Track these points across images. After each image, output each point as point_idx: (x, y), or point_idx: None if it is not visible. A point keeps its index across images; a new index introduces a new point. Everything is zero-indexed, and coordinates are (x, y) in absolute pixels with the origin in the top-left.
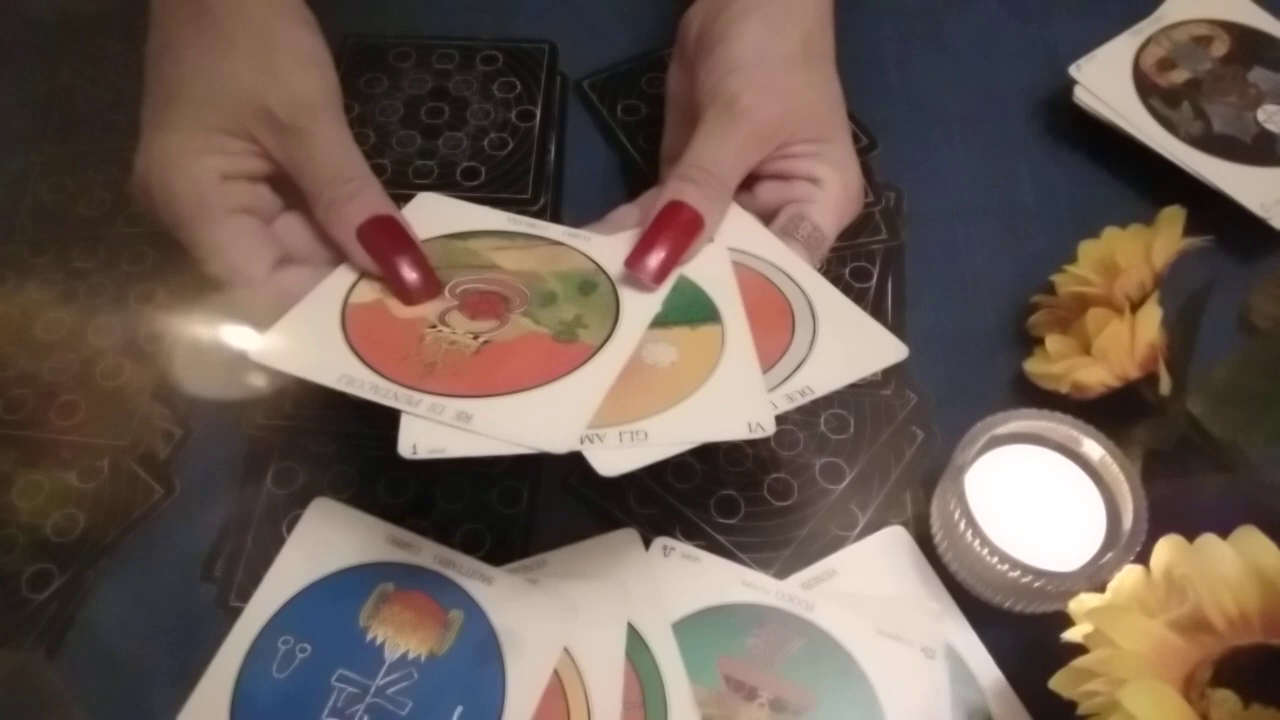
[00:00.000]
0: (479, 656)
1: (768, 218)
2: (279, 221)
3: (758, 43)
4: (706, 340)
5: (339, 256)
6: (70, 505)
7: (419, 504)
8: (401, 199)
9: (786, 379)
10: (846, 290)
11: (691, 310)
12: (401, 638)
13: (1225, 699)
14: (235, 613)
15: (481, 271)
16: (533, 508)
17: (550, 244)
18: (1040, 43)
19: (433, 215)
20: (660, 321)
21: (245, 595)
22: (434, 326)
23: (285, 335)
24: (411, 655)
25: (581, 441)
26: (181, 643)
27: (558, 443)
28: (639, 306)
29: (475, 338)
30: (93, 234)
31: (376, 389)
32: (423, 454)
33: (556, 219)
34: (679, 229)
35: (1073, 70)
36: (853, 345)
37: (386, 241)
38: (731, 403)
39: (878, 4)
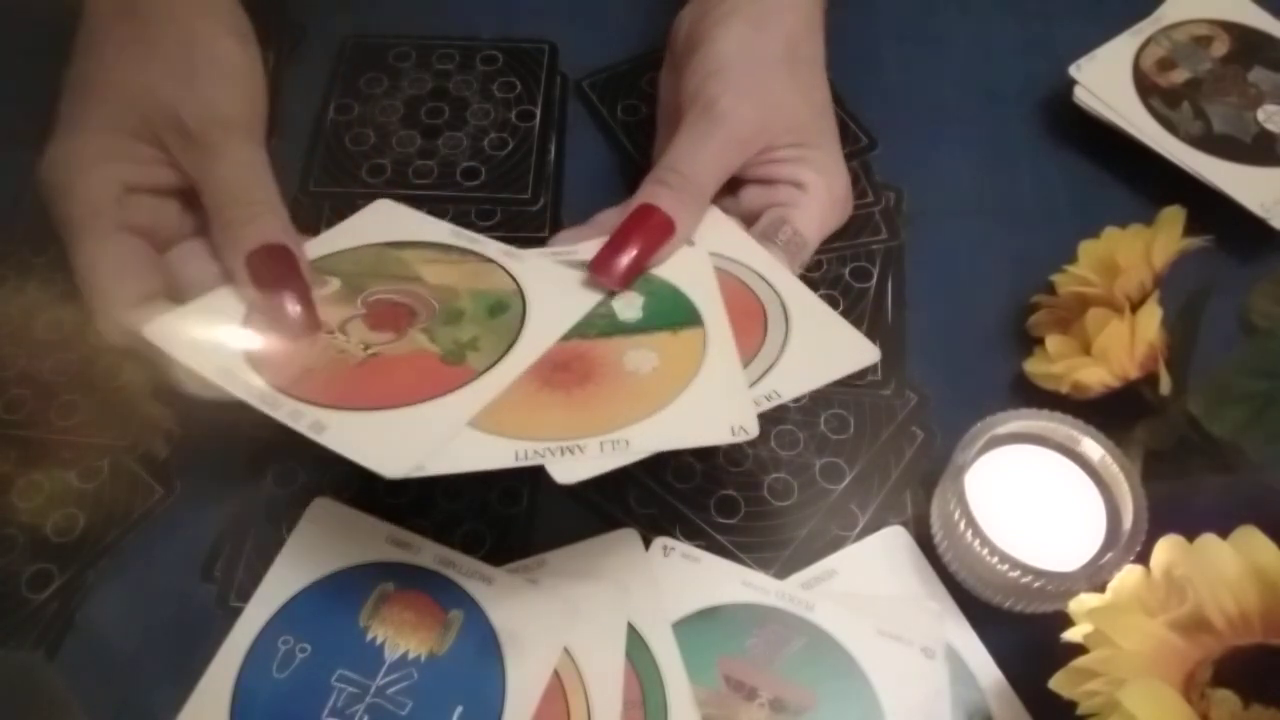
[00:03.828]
0: (479, 656)
1: (751, 222)
2: (179, 249)
3: (740, 45)
4: (688, 344)
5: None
6: (70, 505)
7: (419, 504)
8: (401, 199)
9: (755, 383)
10: (846, 290)
11: (673, 315)
12: (401, 638)
13: (1225, 699)
14: (235, 613)
15: (402, 283)
16: (533, 508)
17: (482, 261)
18: (1040, 43)
19: (380, 222)
20: (641, 327)
21: (245, 595)
22: (332, 333)
23: (182, 320)
24: (411, 655)
25: (541, 453)
26: (181, 643)
27: (388, 467)
28: (539, 334)
29: (365, 349)
30: None
31: (248, 388)
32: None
33: (556, 219)
34: (648, 232)
35: (1073, 70)
36: (823, 349)
37: (274, 272)
38: (713, 407)
39: (877, 4)
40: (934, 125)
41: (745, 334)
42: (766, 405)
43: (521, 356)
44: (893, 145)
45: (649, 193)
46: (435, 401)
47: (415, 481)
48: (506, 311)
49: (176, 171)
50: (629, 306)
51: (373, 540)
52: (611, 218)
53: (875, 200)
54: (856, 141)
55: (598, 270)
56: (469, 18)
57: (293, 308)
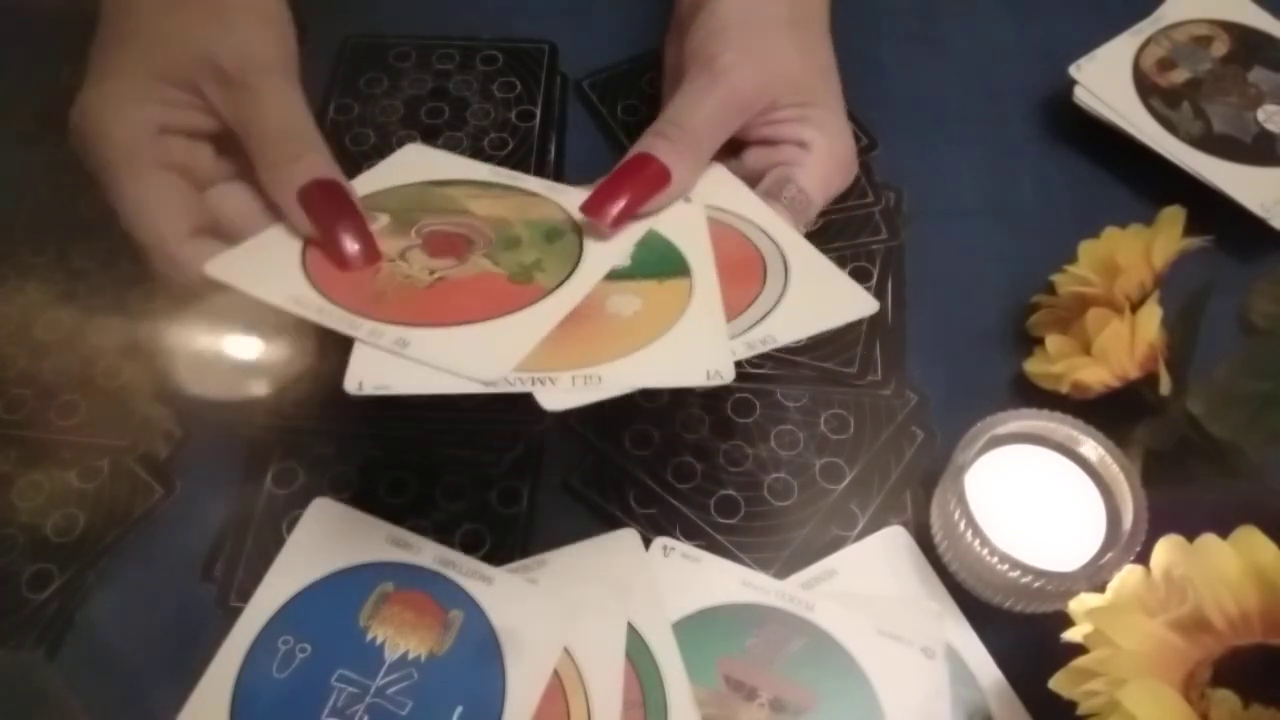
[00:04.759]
0: (479, 656)
1: (755, 184)
2: (218, 189)
3: (742, 5)
4: (673, 293)
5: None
6: (70, 505)
7: (419, 504)
8: None
9: (751, 327)
10: None
11: (661, 265)
12: (401, 638)
13: (1225, 699)
14: (235, 613)
15: (453, 215)
16: (533, 508)
17: (526, 194)
18: (1040, 43)
19: (418, 163)
20: (628, 274)
21: (245, 595)
22: (392, 261)
23: (245, 255)
24: (411, 655)
25: (514, 381)
26: (181, 643)
27: (485, 372)
28: (600, 256)
29: (431, 274)
30: (93, 234)
31: (322, 311)
32: (369, 390)
33: None
34: (643, 180)
35: (1073, 70)
36: (821, 297)
37: (329, 206)
38: (691, 350)
39: (877, 3)
40: (934, 125)
41: (744, 282)
42: (762, 348)
43: (589, 274)
44: (893, 145)
45: (646, 143)
46: (512, 316)
47: (415, 481)
48: (563, 237)
49: (210, 116)
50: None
51: (373, 540)
52: None
53: (875, 200)
54: (856, 141)
55: (589, 212)
56: (469, 18)
57: (351, 240)
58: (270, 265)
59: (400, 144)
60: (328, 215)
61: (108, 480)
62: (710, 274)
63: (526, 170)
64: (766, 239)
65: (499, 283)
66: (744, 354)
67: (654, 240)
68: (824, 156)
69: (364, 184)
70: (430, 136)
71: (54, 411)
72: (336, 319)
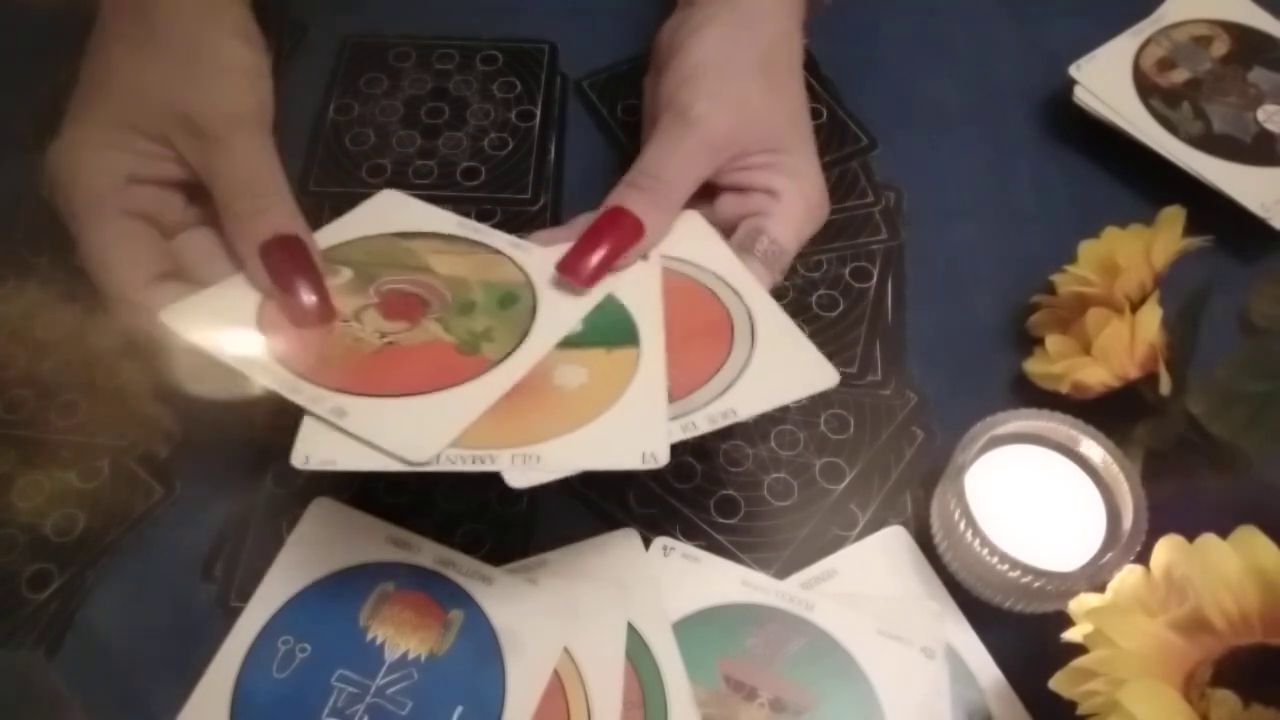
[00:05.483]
0: (479, 656)
1: (728, 231)
2: (184, 235)
3: (714, 52)
4: (620, 364)
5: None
6: (70, 505)
7: (419, 504)
8: None
9: (713, 400)
10: (846, 290)
11: (612, 331)
12: (401, 638)
13: (1225, 699)
14: (235, 613)
15: (413, 273)
16: (533, 508)
17: (490, 252)
18: (1040, 43)
19: (387, 212)
20: (578, 341)
21: (245, 595)
22: (346, 321)
23: (201, 304)
24: (411, 655)
25: (454, 459)
26: (181, 643)
27: (415, 452)
28: (550, 326)
29: (381, 337)
30: None
31: (267, 372)
32: (314, 465)
33: (556, 219)
34: (618, 234)
35: (1073, 70)
36: (784, 369)
37: (287, 262)
38: (630, 431)
39: (878, 4)
40: (934, 125)
41: (710, 349)
42: (723, 422)
43: (535, 347)
44: (893, 145)
45: (620, 195)
46: (453, 390)
47: (415, 481)
48: (517, 303)
49: (182, 167)
50: None
51: (373, 540)
52: (588, 221)
53: (875, 200)
54: (857, 141)
55: (565, 271)
56: (469, 18)
57: (308, 297)
58: (224, 317)
59: (400, 144)
60: (286, 272)
61: (108, 480)
62: (658, 343)
63: (526, 171)
64: (737, 299)
65: (446, 352)
66: (706, 428)
67: (607, 303)
68: (795, 204)
69: (334, 232)
70: (430, 136)
71: (54, 411)
72: (279, 382)
